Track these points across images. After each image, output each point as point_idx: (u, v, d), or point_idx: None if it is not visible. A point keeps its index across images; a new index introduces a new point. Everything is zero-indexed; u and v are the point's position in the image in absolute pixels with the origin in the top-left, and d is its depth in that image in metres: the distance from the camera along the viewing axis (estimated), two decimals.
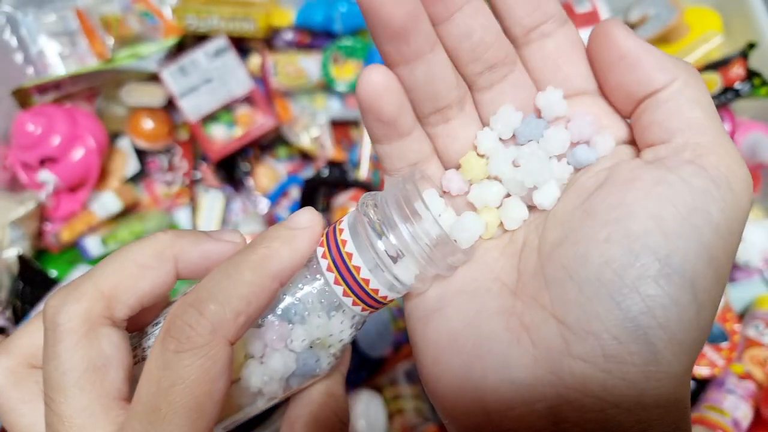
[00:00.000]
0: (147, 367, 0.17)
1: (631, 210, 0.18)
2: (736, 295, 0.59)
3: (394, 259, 0.19)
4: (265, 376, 0.19)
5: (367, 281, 0.19)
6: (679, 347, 0.17)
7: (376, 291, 0.19)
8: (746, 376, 0.53)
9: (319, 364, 0.20)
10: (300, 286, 0.20)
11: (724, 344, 0.54)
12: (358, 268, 0.19)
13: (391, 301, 0.20)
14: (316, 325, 0.20)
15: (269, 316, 0.19)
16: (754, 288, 0.60)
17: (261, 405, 0.21)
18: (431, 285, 0.21)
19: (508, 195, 0.22)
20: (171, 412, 0.16)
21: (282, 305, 0.19)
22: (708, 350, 0.54)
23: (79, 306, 0.18)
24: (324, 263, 0.19)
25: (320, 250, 0.20)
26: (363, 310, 0.20)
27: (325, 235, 0.20)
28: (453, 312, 0.20)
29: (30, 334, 0.20)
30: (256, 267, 0.18)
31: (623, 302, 0.17)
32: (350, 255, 0.19)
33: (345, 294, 0.19)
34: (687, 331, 0.17)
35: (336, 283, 0.19)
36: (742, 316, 0.59)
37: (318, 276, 0.20)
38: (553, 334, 0.18)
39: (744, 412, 0.51)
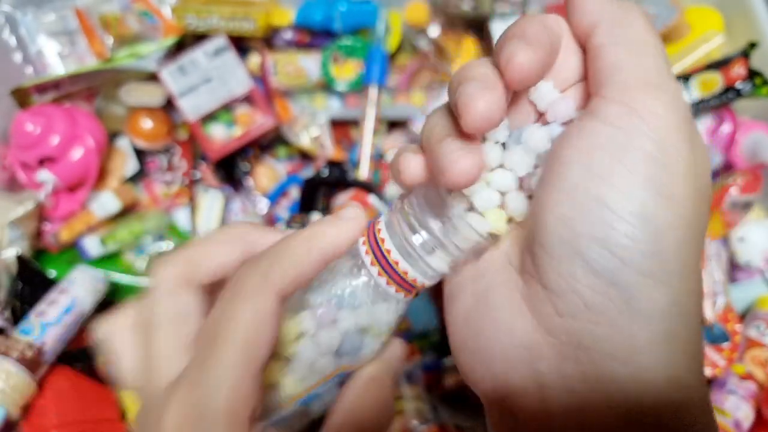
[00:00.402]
0: (210, 314, 0.21)
1: (568, 165, 0.19)
2: (738, 296, 0.59)
3: (429, 252, 0.22)
4: (316, 349, 0.23)
5: (405, 272, 0.22)
6: (652, 279, 0.18)
7: (415, 280, 0.22)
8: (747, 376, 0.53)
9: (364, 346, 0.23)
10: (348, 278, 0.23)
11: (726, 345, 0.54)
12: (396, 262, 0.22)
13: (429, 285, 0.23)
14: (361, 311, 0.23)
15: (321, 300, 0.23)
16: (755, 288, 0.60)
17: (312, 381, 0.24)
18: (462, 269, 0.24)
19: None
20: (224, 345, 0.19)
21: (333, 292, 0.23)
22: (709, 351, 0.54)
23: (169, 269, 0.23)
24: (368, 258, 0.23)
25: (363, 248, 0.23)
26: (405, 296, 0.23)
27: (366, 233, 0.23)
28: (469, 290, 0.23)
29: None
30: (305, 240, 0.22)
31: (586, 254, 0.18)
32: (389, 251, 0.22)
33: (388, 284, 0.23)
34: (653, 263, 0.18)
35: (379, 275, 0.22)
36: (744, 316, 0.59)
37: (363, 270, 0.23)
38: (543, 300, 0.20)
39: (745, 413, 0.51)
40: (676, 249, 0.18)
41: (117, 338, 0.23)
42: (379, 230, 0.23)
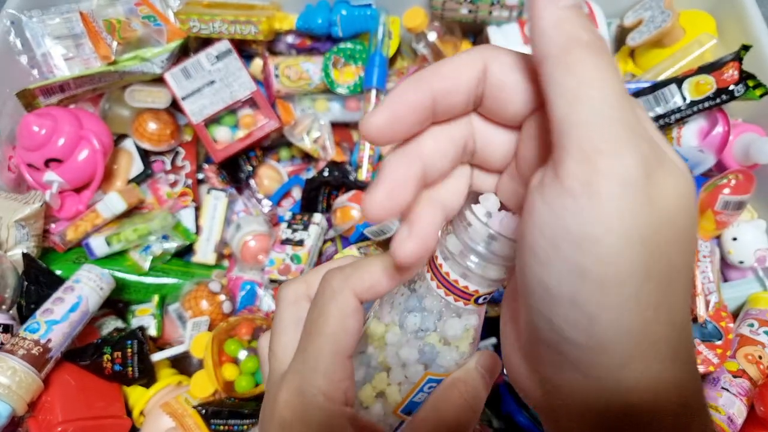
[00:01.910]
0: (308, 312, 0.26)
1: (522, 242, 0.19)
2: (730, 294, 0.60)
3: (472, 262, 0.25)
4: (400, 360, 0.27)
5: (466, 287, 0.26)
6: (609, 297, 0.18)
7: (477, 291, 0.26)
8: (740, 373, 0.54)
9: (441, 355, 0.27)
10: (419, 299, 0.27)
11: (719, 342, 0.55)
12: (456, 281, 0.26)
13: (491, 292, 0.26)
14: (433, 324, 0.27)
15: (401, 318, 0.27)
16: (747, 287, 0.61)
17: (407, 389, 0.27)
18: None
19: None
20: (317, 336, 0.24)
21: (408, 310, 0.27)
22: (702, 348, 0.55)
23: (290, 287, 0.28)
24: (433, 283, 0.26)
25: (428, 275, 0.26)
26: (465, 305, 0.26)
27: (428, 261, 0.27)
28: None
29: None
30: (381, 256, 0.25)
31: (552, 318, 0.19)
32: (448, 274, 0.26)
33: (455, 300, 0.26)
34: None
35: (446, 294, 0.26)
36: (736, 314, 0.60)
37: (431, 292, 0.27)
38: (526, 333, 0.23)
39: (738, 409, 0.52)
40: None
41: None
42: (437, 257, 0.26)
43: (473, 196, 0.26)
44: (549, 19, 0.18)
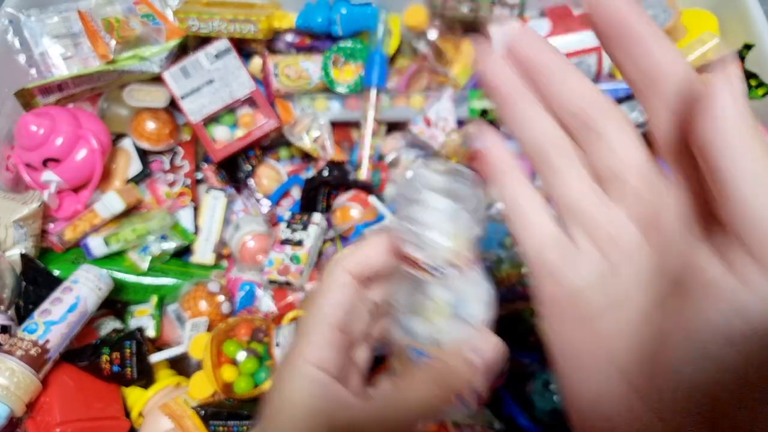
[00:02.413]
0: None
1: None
2: None
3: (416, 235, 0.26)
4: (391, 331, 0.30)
5: (413, 255, 0.27)
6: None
7: (418, 258, 0.27)
8: None
9: (415, 327, 0.28)
10: (402, 277, 0.29)
11: None
12: (407, 253, 0.27)
13: (437, 264, 0.26)
14: (407, 298, 0.29)
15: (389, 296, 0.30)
16: None
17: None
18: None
19: None
20: (309, 309, 0.29)
21: (393, 291, 0.30)
22: None
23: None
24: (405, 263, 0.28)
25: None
26: (429, 277, 0.27)
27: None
28: None
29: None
30: (375, 234, 0.30)
31: None
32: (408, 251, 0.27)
33: (415, 270, 0.27)
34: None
35: (408, 267, 0.27)
36: None
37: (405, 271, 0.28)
38: None
39: None
40: None
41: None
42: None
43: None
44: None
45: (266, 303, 0.67)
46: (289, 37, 0.74)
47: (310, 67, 0.71)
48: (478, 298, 0.28)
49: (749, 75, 0.58)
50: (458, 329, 0.28)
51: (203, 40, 0.70)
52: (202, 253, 0.71)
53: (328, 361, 0.28)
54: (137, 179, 0.72)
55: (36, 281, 0.58)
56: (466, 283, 0.28)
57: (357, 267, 0.29)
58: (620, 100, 0.63)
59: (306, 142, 0.72)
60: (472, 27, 0.75)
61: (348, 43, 0.71)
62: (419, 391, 0.27)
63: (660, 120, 0.19)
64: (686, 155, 0.18)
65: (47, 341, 0.53)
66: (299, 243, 0.65)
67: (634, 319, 0.20)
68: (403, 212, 0.26)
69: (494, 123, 0.74)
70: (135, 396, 0.59)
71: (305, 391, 0.27)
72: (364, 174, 0.70)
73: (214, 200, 0.72)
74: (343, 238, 0.69)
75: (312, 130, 0.72)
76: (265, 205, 0.74)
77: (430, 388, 0.27)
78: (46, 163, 0.63)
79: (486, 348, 0.28)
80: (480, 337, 0.28)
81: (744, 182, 0.16)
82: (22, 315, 0.57)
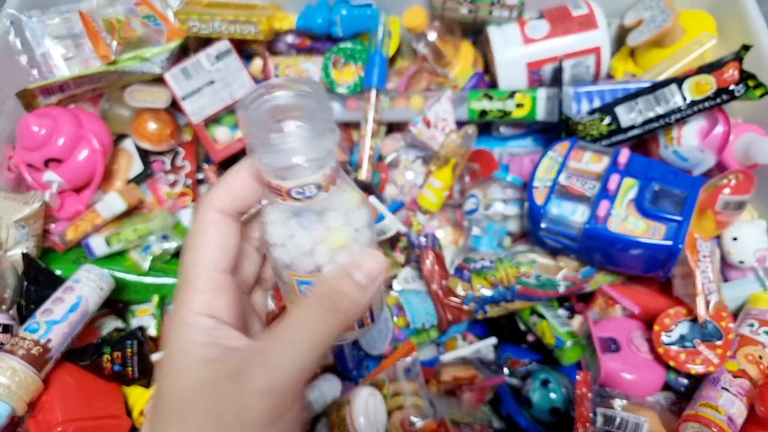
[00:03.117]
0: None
1: None
2: (731, 294, 0.60)
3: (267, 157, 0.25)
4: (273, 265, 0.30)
5: (269, 182, 0.26)
6: None
7: (281, 186, 0.25)
8: (740, 373, 0.54)
9: (289, 256, 0.28)
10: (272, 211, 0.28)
11: (719, 342, 0.55)
12: (268, 181, 0.26)
13: (300, 185, 0.26)
14: (277, 230, 0.28)
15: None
16: (748, 287, 0.61)
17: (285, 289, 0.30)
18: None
19: None
20: (183, 253, 0.28)
21: (269, 223, 0.28)
22: (703, 348, 0.55)
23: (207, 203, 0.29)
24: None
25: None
26: (285, 200, 0.26)
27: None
28: None
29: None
30: (234, 167, 0.28)
31: None
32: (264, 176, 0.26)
33: (276, 197, 0.26)
34: None
35: (270, 195, 0.27)
36: (737, 314, 0.60)
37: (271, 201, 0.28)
38: None
39: (738, 409, 0.52)
40: None
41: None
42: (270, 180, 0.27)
43: None
44: None
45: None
46: (290, 39, 0.74)
47: (311, 68, 0.72)
48: (347, 210, 0.28)
49: (747, 76, 0.58)
50: (336, 251, 0.27)
51: (204, 41, 0.70)
52: None
53: (217, 307, 0.26)
54: (138, 179, 0.73)
55: (38, 281, 0.59)
56: (336, 203, 0.27)
57: (223, 201, 0.28)
58: (619, 101, 0.63)
59: None
60: (472, 28, 0.76)
61: (348, 45, 0.71)
62: (308, 320, 0.26)
63: None
64: None
65: (49, 341, 0.53)
66: None
67: None
68: (256, 141, 0.25)
69: (493, 123, 0.74)
70: (136, 395, 0.60)
71: (191, 340, 0.25)
72: (364, 174, 0.71)
73: None
74: None
75: None
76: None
77: (318, 314, 0.26)
78: (47, 163, 0.64)
79: (367, 262, 0.27)
80: (360, 253, 0.27)
81: None
82: (24, 314, 0.57)
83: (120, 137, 0.74)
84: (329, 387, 0.56)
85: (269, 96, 0.25)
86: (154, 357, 0.61)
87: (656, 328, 0.57)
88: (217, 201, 0.27)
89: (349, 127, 0.77)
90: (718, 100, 0.59)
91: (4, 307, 0.57)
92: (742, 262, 0.61)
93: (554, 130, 0.68)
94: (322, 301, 0.26)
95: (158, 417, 0.25)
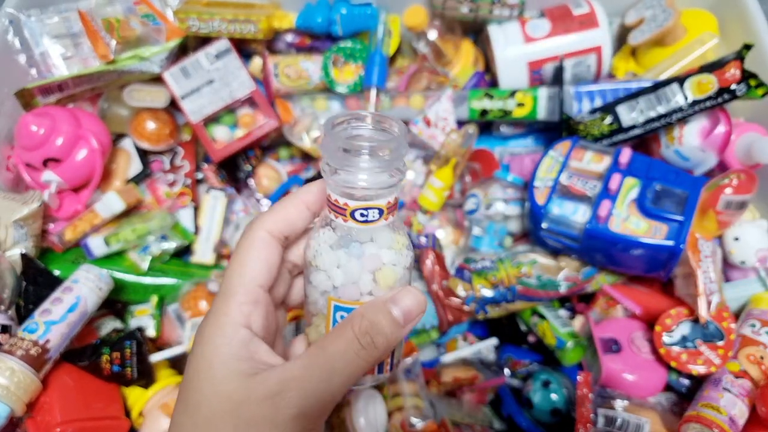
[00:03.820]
0: None
1: None
2: (732, 294, 0.60)
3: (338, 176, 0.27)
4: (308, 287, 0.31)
5: (336, 200, 0.27)
6: None
7: (347, 204, 0.27)
8: (742, 374, 0.54)
9: (335, 280, 0.29)
10: (324, 232, 0.29)
11: (720, 343, 0.55)
12: (336, 200, 0.27)
13: (367, 206, 0.27)
14: (326, 252, 0.29)
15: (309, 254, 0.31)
16: (749, 287, 0.61)
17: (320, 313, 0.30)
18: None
19: None
20: (228, 267, 0.29)
21: (317, 247, 0.30)
22: (704, 348, 0.55)
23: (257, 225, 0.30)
24: (329, 214, 0.29)
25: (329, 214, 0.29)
26: (354, 224, 0.28)
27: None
28: None
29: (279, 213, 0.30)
30: (291, 194, 0.30)
31: None
32: (329, 195, 0.28)
33: (336, 217, 0.28)
34: None
35: (330, 213, 0.29)
36: (738, 314, 0.60)
37: (328, 221, 0.29)
38: None
39: (740, 410, 0.51)
40: None
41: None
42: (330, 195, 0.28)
43: None
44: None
45: None
46: (289, 37, 0.74)
47: (310, 67, 0.71)
48: (397, 250, 0.28)
49: (749, 75, 0.58)
50: (379, 281, 0.28)
51: (203, 40, 0.70)
52: (202, 253, 0.71)
53: (254, 320, 0.27)
54: (137, 179, 0.72)
55: (36, 281, 0.58)
56: (387, 240, 0.28)
57: (276, 224, 0.29)
58: (620, 100, 0.63)
59: (306, 142, 0.72)
60: (472, 27, 0.75)
61: (348, 44, 0.71)
62: (345, 354, 0.26)
63: None
64: None
65: (47, 341, 0.53)
66: None
67: None
68: (336, 157, 0.26)
69: (494, 123, 0.74)
70: (135, 396, 0.59)
71: (228, 352, 0.26)
72: None
73: (214, 200, 0.72)
74: None
75: (312, 130, 0.72)
76: (265, 205, 0.75)
77: (355, 349, 0.26)
78: (46, 163, 0.63)
79: (405, 299, 0.27)
80: (405, 290, 0.28)
81: None
82: (23, 315, 0.57)
83: (119, 137, 0.73)
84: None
85: (357, 124, 0.28)
86: (153, 357, 0.61)
87: (657, 328, 0.57)
88: (270, 223, 0.29)
89: None
90: (720, 100, 0.59)
91: (2, 307, 0.57)
92: (743, 263, 0.61)
93: (555, 130, 0.67)
94: (361, 337, 0.27)
95: (187, 425, 0.26)
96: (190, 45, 0.72)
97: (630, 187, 0.57)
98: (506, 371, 0.64)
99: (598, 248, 0.57)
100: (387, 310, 0.27)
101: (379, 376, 0.31)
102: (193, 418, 0.26)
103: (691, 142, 0.62)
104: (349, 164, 0.26)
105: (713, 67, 0.60)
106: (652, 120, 0.61)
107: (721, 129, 0.61)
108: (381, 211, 0.27)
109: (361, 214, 0.27)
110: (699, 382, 0.56)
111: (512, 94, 0.69)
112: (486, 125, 0.75)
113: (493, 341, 0.65)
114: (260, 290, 0.28)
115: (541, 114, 0.68)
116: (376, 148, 0.26)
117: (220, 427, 0.25)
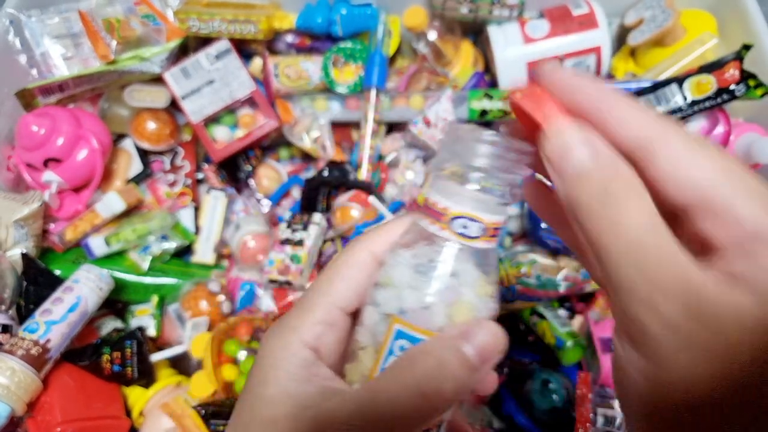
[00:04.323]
0: None
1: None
2: None
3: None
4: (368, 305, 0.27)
5: (435, 203, 0.25)
6: None
7: (447, 208, 0.24)
8: None
9: (404, 299, 0.25)
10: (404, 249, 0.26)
11: None
12: (435, 203, 0.25)
13: (472, 216, 0.24)
14: (403, 267, 0.26)
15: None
16: None
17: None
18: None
19: None
20: (319, 280, 0.27)
21: (394, 265, 0.26)
22: None
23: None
24: (419, 220, 0.26)
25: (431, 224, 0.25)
26: (449, 233, 0.24)
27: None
28: None
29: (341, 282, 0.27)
30: (404, 221, 0.27)
31: None
32: (427, 199, 0.25)
33: (431, 223, 0.25)
34: None
35: (422, 218, 0.25)
36: None
37: (414, 230, 0.27)
38: None
39: None
40: None
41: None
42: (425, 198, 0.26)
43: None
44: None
45: (266, 303, 0.67)
46: (290, 38, 0.74)
47: (310, 67, 0.72)
48: (487, 281, 0.25)
49: (748, 75, 0.58)
50: (453, 316, 0.24)
51: (204, 41, 0.70)
52: (203, 253, 0.71)
53: (324, 343, 0.25)
54: (138, 179, 0.72)
55: (37, 281, 0.59)
56: (471, 279, 0.24)
57: (380, 245, 0.26)
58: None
59: (306, 143, 0.72)
60: (472, 28, 0.76)
61: (348, 44, 0.71)
62: (399, 402, 0.22)
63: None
64: None
65: (48, 341, 0.53)
66: (299, 243, 0.65)
67: None
68: (444, 163, 0.24)
69: (494, 123, 0.74)
70: (136, 395, 0.60)
71: (286, 370, 0.24)
72: (364, 174, 0.71)
73: (215, 200, 0.72)
74: (343, 238, 0.69)
75: (312, 131, 0.72)
76: (266, 205, 0.75)
77: (413, 400, 0.21)
78: (46, 163, 0.64)
79: (480, 334, 0.22)
80: (479, 324, 0.23)
81: None
82: (23, 315, 0.57)
83: (119, 137, 0.73)
84: None
85: (484, 137, 0.24)
86: (154, 357, 0.61)
87: None
88: (375, 244, 0.26)
89: (348, 126, 0.77)
90: (719, 100, 0.59)
91: (3, 307, 0.57)
92: None
93: None
94: (425, 383, 0.21)
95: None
96: (190, 45, 0.72)
97: None
98: (505, 370, 0.64)
99: None
100: (456, 347, 0.22)
101: (460, 411, 0.27)
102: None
103: None
104: (474, 144, 0.23)
105: (712, 67, 0.60)
106: None
107: (720, 129, 0.61)
108: (483, 229, 0.24)
109: (463, 225, 0.23)
110: None
111: None
112: (486, 125, 0.75)
113: None
114: (340, 313, 0.26)
115: None
116: (499, 173, 0.23)
117: None
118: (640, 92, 0.62)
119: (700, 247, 0.20)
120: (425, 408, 0.22)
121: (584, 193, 0.20)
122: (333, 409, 0.23)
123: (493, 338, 0.23)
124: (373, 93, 0.70)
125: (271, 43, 0.75)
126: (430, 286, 0.24)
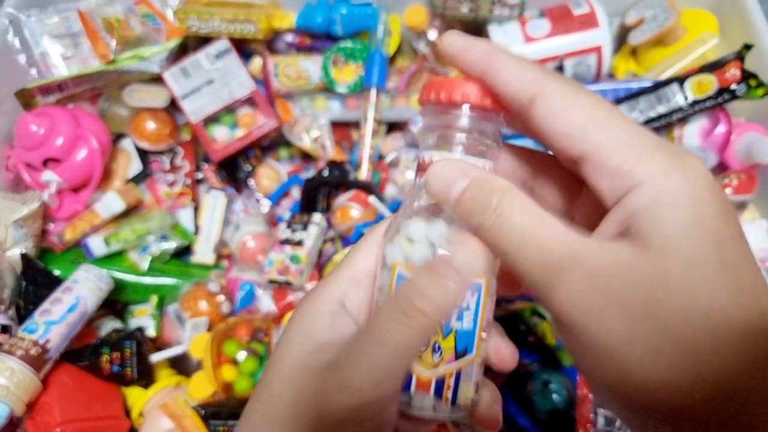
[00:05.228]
0: None
1: None
2: None
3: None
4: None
5: (423, 158, 0.27)
6: None
7: (431, 160, 0.26)
8: None
9: (406, 251, 0.27)
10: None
11: None
12: (423, 159, 0.27)
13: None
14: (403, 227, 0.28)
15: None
16: None
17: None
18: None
19: None
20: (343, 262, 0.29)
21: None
22: None
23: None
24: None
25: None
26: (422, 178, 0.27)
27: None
28: None
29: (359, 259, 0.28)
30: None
31: None
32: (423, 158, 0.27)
33: (419, 177, 0.27)
34: None
35: (416, 176, 0.28)
36: None
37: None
38: None
39: None
40: None
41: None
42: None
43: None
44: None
45: (266, 303, 0.67)
46: (289, 37, 0.74)
47: (310, 67, 0.71)
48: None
49: (749, 75, 0.58)
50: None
51: (203, 40, 0.70)
52: (202, 253, 0.71)
53: (350, 297, 0.27)
54: (137, 179, 0.72)
55: (36, 281, 0.58)
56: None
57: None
58: (620, 100, 0.63)
59: (306, 142, 0.72)
60: (472, 27, 0.75)
61: (348, 43, 0.71)
62: (384, 324, 0.23)
63: None
64: None
65: (47, 341, 0.53)
66: (299, 243, 0.65)
67: None
68: (431, 132, 0.27)
69: None
70: (135, 396, 0.59)
71: (311, 319, 0.26)
72: (364, 174, 0.70)
73: (214, 200, 0.72)
74: (343, 238, 0.69)
75: (312, 130, 0.72)
76: (265, 205, 0.74)
77: (394, 315, 0.23)
78: (46, 163, 0.63)
79: (459, 254, 0.24)
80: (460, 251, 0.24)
81: None
82: (23, 315, 0.57)
83: (119, 137, 0.73)
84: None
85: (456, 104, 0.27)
86: (153, 357, 0.61)
87: None
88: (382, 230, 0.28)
89: (348, 126, 0.76)
90: (720, 100, 0.59)
91: (2, 307, 0.57)
92: None
93: None
94: (399, 302, 0.23)
95: (265, 388, 0.27)
96: (190, 45, 0.72)
97: None
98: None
99: None
100: (432, 269, 0.23)
101: (453, 415, 0.27)
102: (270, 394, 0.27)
103: (691, 142, 0.62)
104: (450, 109, 0.26)
105: (713, 67, 0.59)
106: (652, 120, 0.62)
107: (721, 129, 0.61)
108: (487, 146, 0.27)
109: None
110: None
111: None
112: None
113: None
114: (365, 275, 0.27)
115: None
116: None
117: (285, 399, 0.26)
118: (640, 92, 0.62)
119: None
120: (406, 323, 0.23)
121: (474, 216, 0.23)
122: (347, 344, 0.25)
123: (471, 253, 0.24)
124: (373, 92, 0.70)
125: (271, 43, 0.75)
126: (430, 232, 0.26)
